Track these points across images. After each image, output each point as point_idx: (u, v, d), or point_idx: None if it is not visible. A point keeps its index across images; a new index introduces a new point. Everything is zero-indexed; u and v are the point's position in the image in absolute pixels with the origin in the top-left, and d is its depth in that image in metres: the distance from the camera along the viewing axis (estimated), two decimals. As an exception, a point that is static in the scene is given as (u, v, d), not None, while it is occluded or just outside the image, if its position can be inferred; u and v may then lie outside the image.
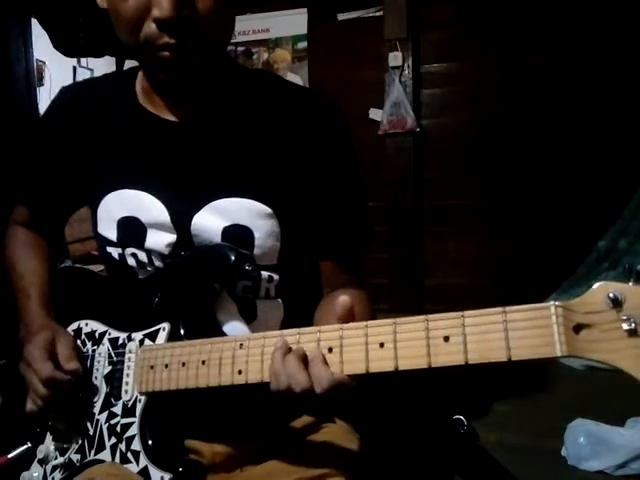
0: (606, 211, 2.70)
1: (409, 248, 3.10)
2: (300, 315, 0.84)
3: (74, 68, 3.81)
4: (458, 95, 3.02)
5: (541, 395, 2.17)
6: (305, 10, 3.21)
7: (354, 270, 0.83)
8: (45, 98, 3.20)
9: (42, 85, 3.49)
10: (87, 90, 0.87)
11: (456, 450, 1.59)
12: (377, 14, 3.07)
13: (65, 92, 0.89)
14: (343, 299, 0.59)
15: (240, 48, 3.35)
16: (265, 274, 0.78)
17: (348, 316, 0.59)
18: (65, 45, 2.80)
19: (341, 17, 3.17)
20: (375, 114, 3.08)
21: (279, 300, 0.81)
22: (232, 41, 3.04)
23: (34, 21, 2.83)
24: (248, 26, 3.28)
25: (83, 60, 3.79)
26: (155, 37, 0.66)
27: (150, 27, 0.66)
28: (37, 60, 3.21)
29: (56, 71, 3.57)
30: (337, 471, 0.74)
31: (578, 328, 0.46)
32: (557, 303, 0.47)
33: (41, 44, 2.94)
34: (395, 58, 2.99)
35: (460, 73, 3.00)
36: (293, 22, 3.24)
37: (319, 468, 0.74)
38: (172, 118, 0.78)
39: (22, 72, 2.86)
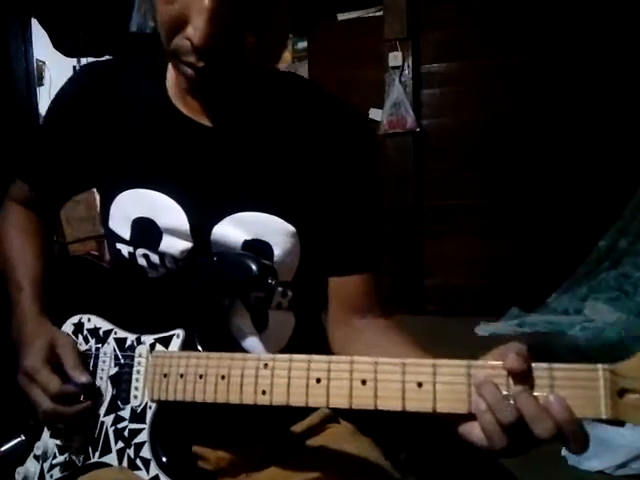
0: (606, 211, 2.70)
1: (409, 248, 3.11)
2: (312, 326, 0.85)
3: (74, 68, 3.79)
4: (458, 95, 3.03)
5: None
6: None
7: (378, 296, 0.80)
8: (45, 98, 3.21)
9: (42, 85, 3.49)
10: (114, 73, 0.79)
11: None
12: (377, 14, 3.07)
13: (88, 70, 0.82)
14: (520, 348, 0.50)
15: (240, 48, 3.34)
16: (279, 289, 0.77)
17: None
18: (65, 45, 2.81)
19: (341, 17, 3.17)
20: (375, 114, 3.08)
21: (291, 312, 0.80)
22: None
23: (34, 21, 2.83)
24: (248, 26, 3.27)
25: (83, 60, 3.78)
26: (184, 52, 0.62)
27: (182, 41, 0.62)
28: (37, 60, 3.21)
29: (56, 71, 3.56)
30: (341, 473, 0.73)
31: (622, 392, 0.47)
32: (605, 366, 0.47)
33: (41, 44, 2.94)
34: (395, 58, 3.00)
35: (460, 73, 3.01)
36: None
37: (323, 471, 0.74)
38: (203, 121, 0.74)
39: (22, 72, 2.87)
